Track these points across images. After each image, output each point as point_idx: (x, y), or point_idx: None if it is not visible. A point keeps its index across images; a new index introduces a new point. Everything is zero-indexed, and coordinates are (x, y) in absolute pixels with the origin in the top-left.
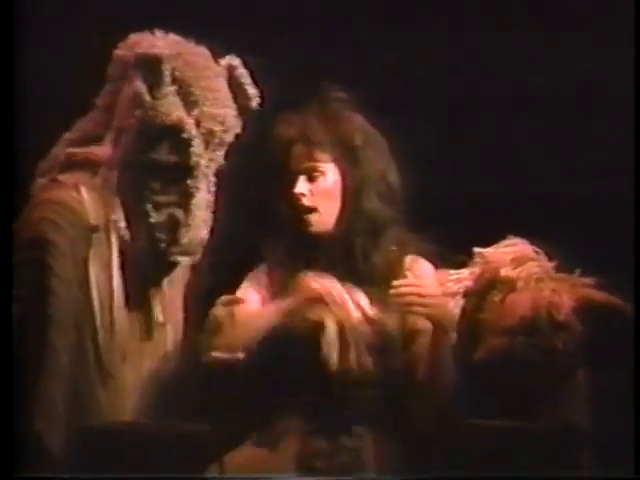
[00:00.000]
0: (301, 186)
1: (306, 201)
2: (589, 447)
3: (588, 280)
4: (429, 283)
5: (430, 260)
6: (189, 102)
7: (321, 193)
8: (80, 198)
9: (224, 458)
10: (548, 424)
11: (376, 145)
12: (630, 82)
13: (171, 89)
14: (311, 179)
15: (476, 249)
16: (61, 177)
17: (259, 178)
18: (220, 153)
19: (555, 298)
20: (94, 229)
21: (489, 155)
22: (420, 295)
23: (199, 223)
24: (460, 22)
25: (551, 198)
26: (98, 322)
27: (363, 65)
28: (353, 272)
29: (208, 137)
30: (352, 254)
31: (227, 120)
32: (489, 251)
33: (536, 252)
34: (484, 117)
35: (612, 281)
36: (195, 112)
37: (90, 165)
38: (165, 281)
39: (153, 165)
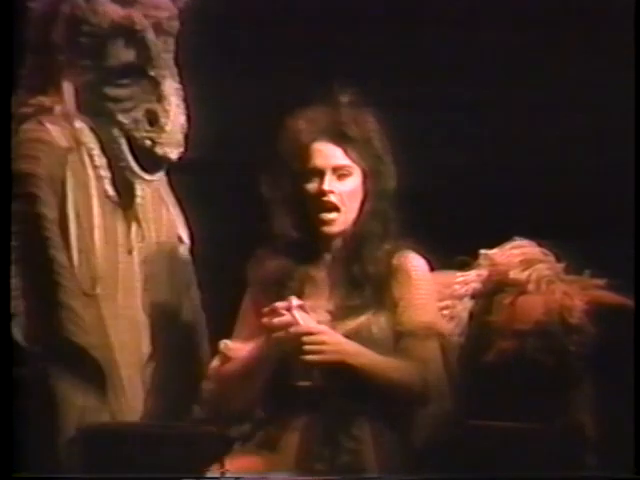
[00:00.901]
0: (329, 184)
1: (333, 198)
2: (590, 447)
3: (599, 281)
4: (421, 276)
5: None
6: (126, 2)
7: (347, 194)
8: (45, 129)
9: (225, 458)
10: (551, 425)
11: (387, 147)
12: (630, 83)
13: None
14: (338, 178)
15: (482, 251)
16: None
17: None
18: (171, 42)
19: (567, 301)
20: (68, 150)
21: (491, 157)
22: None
23: (175, 109)
24: (460, 23)
25: (555, 198)
26: (73, 243)
27: (362, 65)
28: (354, 272)
29: (156, 26)
30: (359, 255)
31: (168, 6)
32: (496, 253)
33: (544, 254)
34: (492, 118)
35: (622, 282)
36: (136, 7)
37: (44, 110)
38: (141, 197)
39: (111, 73)
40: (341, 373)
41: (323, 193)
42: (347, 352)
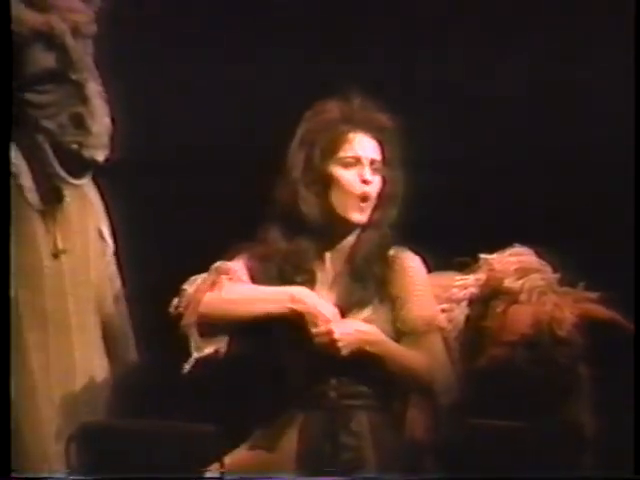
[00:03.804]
0: (370, 174)
1: (370, 189)
2: (589, 447)
3: (591, 294)
4: (417, 273)
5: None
6: (43, 8)
7: (375, 190)
8: None
9: (224, 458)
10: (549, 425)
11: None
12: (630, 87)
13: (21, 6)
14: (372, 172)
15: (482, 255)
16: None
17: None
18: (89, 44)
19: (557, 313)
20: None
21: (499, 160)
22: None
23: (100, 111)
24: (459, 24)
25: (560, 208)
26: None
27: (362, 66)
28: (356, 268)
29: (74, 30)
30: (363, 252)
31: (84, 9)
32: (494, 258)
33: (541, 263)
34: (499, 118)
35: (616, 295)
36: (53, 12)
37: None
38: (67, 203)
39: (32, 80)
40: (342, 367)
41: (365, 182)
42: (366, 341)
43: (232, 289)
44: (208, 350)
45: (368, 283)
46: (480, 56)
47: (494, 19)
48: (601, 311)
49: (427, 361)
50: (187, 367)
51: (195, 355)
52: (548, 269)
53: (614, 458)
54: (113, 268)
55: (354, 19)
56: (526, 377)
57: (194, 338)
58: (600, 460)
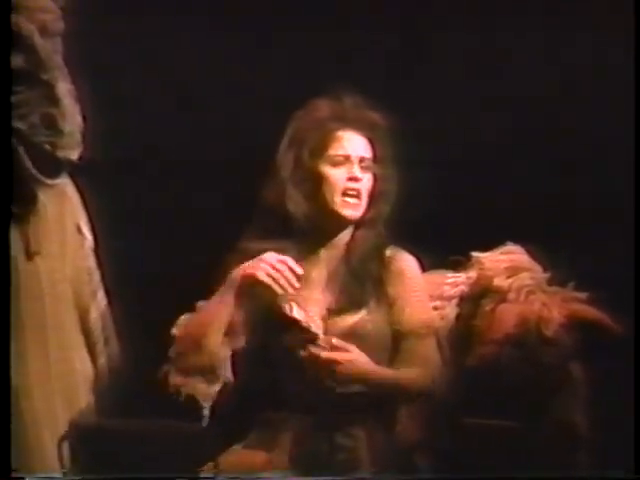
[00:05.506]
0: (359, 172)
1: (360, 186)
2: (589, 447)
3: (580, 294)
4: (414, 275)
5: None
6: (16, 9)
7: (365, 188)
8: None
9: (220, 458)
10: (547, 425)
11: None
12: (630, 86)
13: None
14: (362, 170)
15: (474, 253)
16: None
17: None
18: (58, 42)
19: (545, 312)
20: None
21: (499, 160)
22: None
23: (71, 110)
24: (460, 22)
25: (554, 207)
26: None
27: (362, 65)
28: (351, 268)
29: (42, 28)
30: (357, 253)
31: (51, 7)
32: (486, 256)
33: (532, 262)
34: (500, 118)
35: (607, 296)
36: (20, 12)
37: None
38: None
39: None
40: None
41: (354, 179)
42: (366, 372)
43: (204, 307)
44: (214, 390)
45: (364, 283)
46: (480, 55)
47: (494, 19)
48: (589, 311)
49: (417, 371)
50: (205, 419)
51: (206, 405)
52: (538, 268)
53: (614, 458)
54: (91, 261)
55: (354, 19)
56: (514, 376)
57: (196, 392)
58: (600, 460)
